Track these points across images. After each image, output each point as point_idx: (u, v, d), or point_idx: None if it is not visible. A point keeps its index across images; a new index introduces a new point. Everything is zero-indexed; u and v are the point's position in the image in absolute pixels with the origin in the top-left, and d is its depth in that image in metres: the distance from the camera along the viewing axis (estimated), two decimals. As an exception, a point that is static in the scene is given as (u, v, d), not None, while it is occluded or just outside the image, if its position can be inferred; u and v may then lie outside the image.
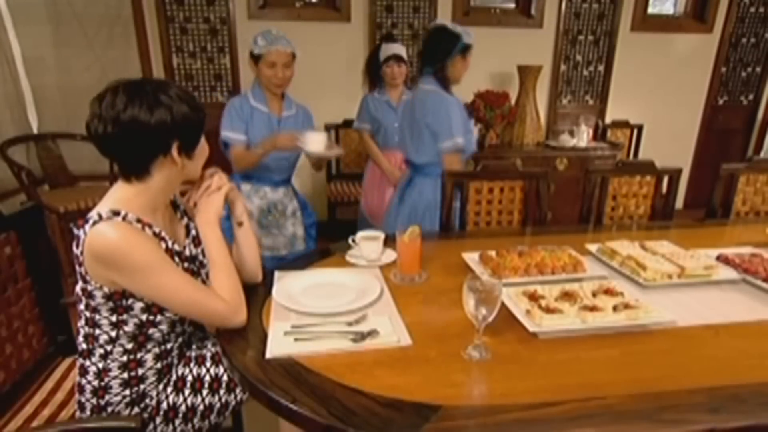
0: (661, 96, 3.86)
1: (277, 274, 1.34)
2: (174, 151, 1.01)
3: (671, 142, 3.98)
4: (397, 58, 2.60)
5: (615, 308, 1.11)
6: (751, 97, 4.04)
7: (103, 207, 1.00)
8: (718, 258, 1.46)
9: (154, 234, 1.03)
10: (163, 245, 1.04)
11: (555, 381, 0.93)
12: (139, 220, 1.01)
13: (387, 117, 2.68)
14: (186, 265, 1.10)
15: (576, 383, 0.92)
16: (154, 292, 1.00)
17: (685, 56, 3.81)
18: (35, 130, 3.15)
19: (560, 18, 3.54)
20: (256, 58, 1.95)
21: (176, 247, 1.09)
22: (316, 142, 1.82)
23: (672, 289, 1.30)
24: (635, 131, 3.67)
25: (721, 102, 4.01)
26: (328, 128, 3.35)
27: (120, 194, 1.03)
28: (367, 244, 1.44)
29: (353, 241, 1.49)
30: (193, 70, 3.28)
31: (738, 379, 0.93)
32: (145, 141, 0.98)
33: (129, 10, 3.09)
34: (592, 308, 1.10)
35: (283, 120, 2.05)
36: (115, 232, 0.95)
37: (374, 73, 2.72)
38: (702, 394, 0.89)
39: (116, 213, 0.98)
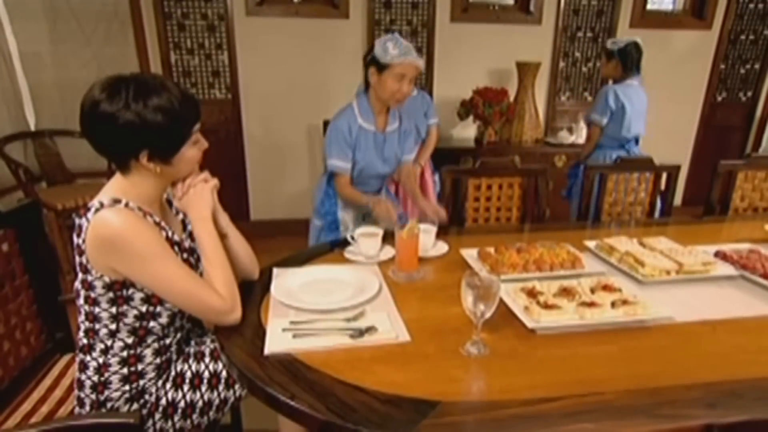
0: (659, 93, 3.83)
1: (275, 270, 1.34)
2: (143, 159, 0.99)
3: (670, 139, 3.98)
4: None
5: (613, 304, 1.11)
6: (749, 93, 4.03)
7: (104, 196, 1.00)
8: (716, 254, 1.46)
9: (155, 223, 1.04)
10: (164, 234, 1.05)
11: (553, 377, 0.93)
12: (140, 209, 1.01)
13: None
14: (185, 256, 1.10)
15: (574, 379, 0.92)
16: (154, 281, 1.00)
17: (684, 53, 3.81)
18: (32, 127, 3.14)
19: (559, 14, 3.53)
20: (380, 67, 1.73)
21: (176, 237, 1.09)
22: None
23: (670, 286, 1.31)
24: (634, 128, 3.66)
25: (719, 99, 4.01)
26: (326, 124, 3.33)
27: (118, 185, 1.03)
28: (365, 241, 1.44)
29: (352, 237, 1.49)
30: (191, 66, 3.26)
31: (735, 374, 0.94)
32: (113, 142, 0.98)
33: (126, 6, 3.08)
34: (591, 304, 1.10)
35: (387, 136, 1.91)
36: (119, 217, 0.95)
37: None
38: (699, 390, 0.89)
39: (117, 201, 0.99)
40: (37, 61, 3.07)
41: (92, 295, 1.02)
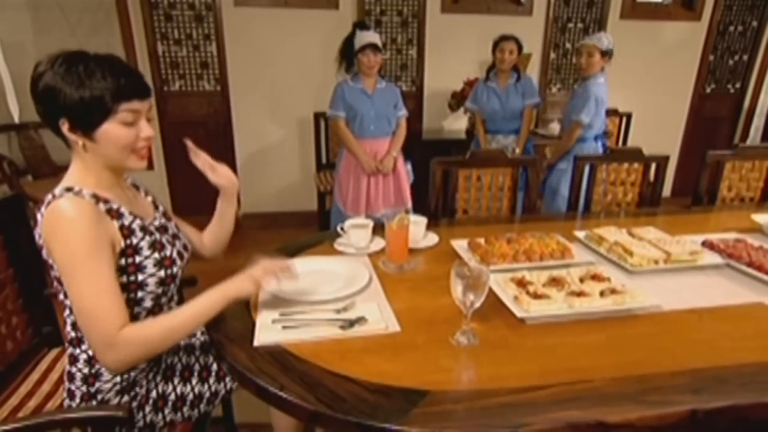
0: (649, 84, 3.88)
1: (265, 262, 1.33)
2: (64, 127, 0.95)
3: (659, 130, 4.01)
4: (374, 47, 2.56)
5: (602, 293, 1.12)
6: (738, 85, 4.07)
7: (58, 187, 0.96)
8: (704, 244, 1.47)
9: (110, 210, 0.99)
10: (117, 224, 0.99)
11: (542, 365, 0.94)
12: (95, 195, 0.97)
13: (364, 105, 2.65)
14: (158, 236, 1.06)
15: (563, 367, 0.93)
16: (67, 280, 0.93)
17: (673, 44, 3.82)
18: (16, 120, 3.09)
19: (550, 5, 3.53)
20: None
21: (138, 222, 1.03)
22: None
23: (658, 275, 1.32)
24: (624, 119, 3.69)
25: (708, 90, 4.04)
26: (316, 117, 3.32)
27: (75, 174, 1.00)
28: (355, 232, 1.44)
29: (342, 229, 1.48)
30: (178, 57, 3.22)
31: (720, 361, 0.95)
32: (38, 106, 0.95)
33: (111, -5, 3.03)
34: (580, 294, 1.11)
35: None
36: (68, 204, 0.92)
37: (348, 60, 2.69)
38: (685, 376, 0.90)
39: (69, 189, 0.95)
40: (20, 51, 3.01)
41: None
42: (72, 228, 0.91)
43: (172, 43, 3.19)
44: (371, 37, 2.58)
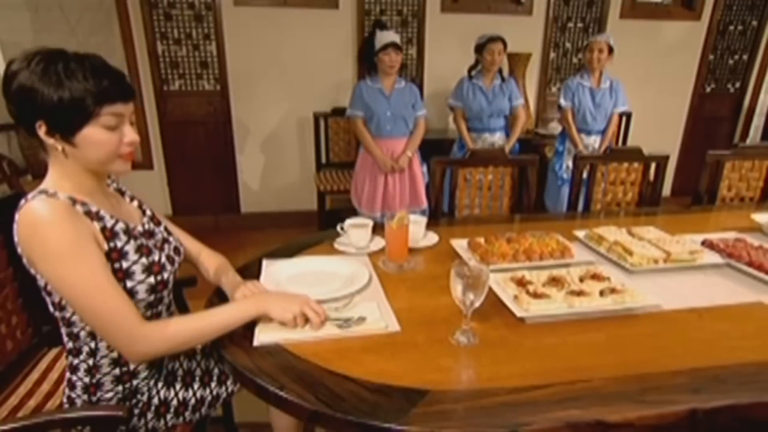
0: (649, 84, 3.87)
1: (264, 262, 1.33)
2: (41, 131, 0.89)
3: (659, 129, 4.00)
4: (396, 46, 2.59)
5: (602, 293, 1.12)
6: (737, 84, 4.07)
7: (32, 192, 0.92)
8: (703, 243, 1.47)
9: (88, 213, 0.93)
10: (98, 225, 0.94)
11: (542, 365, 0.94)
12: (71, 198, 0.92)
13: (380, 105, 2.66)
14: (143, 241, 1.02)
15: (562, 367, 0.93)
16: (61, 286, 0.89)
17: (673, 43, 3.82)
18: (16, 119, 3.08)
19: (550, 5, 3.53)
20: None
21: (121, 225, 0.98)
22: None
23: (658, 274, 1.32)
24: (624, 119, 3.68)
25: (708, 90, 4.04)
26: (316, 117, 3.32)
27: (53, 179, 0.95)
28: (355, 232, 1.44)
29: (342, 228, 1.48)
30: (178, 57, 3.22)
31: (719, 360, 0.95)
32: (12, 108, 0.90)
33: (111, -5, 3.02)
34: (579, 293, 1.11)
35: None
36: (39, 205, 0.87)
37: (368, 61, 2.71)
38: (684, 376, 0.90)
39: (43, 192, 0.90)
40: (19, 51, 3.00)
41: (55, 300, 0.95)
42: (49, 228, 0.86)
43: (171, 42, 3.18)
44: (392, 36, 2.62)
